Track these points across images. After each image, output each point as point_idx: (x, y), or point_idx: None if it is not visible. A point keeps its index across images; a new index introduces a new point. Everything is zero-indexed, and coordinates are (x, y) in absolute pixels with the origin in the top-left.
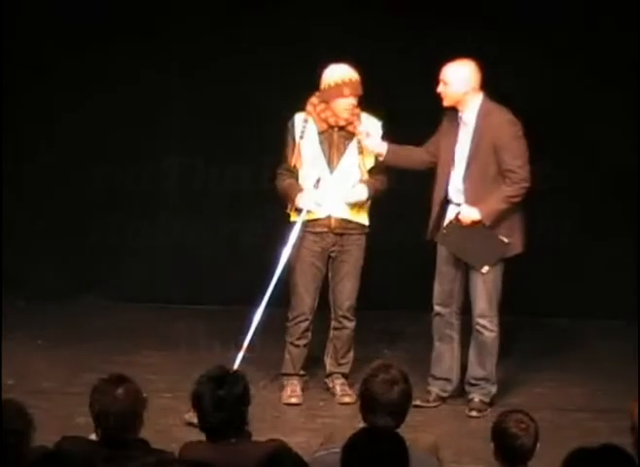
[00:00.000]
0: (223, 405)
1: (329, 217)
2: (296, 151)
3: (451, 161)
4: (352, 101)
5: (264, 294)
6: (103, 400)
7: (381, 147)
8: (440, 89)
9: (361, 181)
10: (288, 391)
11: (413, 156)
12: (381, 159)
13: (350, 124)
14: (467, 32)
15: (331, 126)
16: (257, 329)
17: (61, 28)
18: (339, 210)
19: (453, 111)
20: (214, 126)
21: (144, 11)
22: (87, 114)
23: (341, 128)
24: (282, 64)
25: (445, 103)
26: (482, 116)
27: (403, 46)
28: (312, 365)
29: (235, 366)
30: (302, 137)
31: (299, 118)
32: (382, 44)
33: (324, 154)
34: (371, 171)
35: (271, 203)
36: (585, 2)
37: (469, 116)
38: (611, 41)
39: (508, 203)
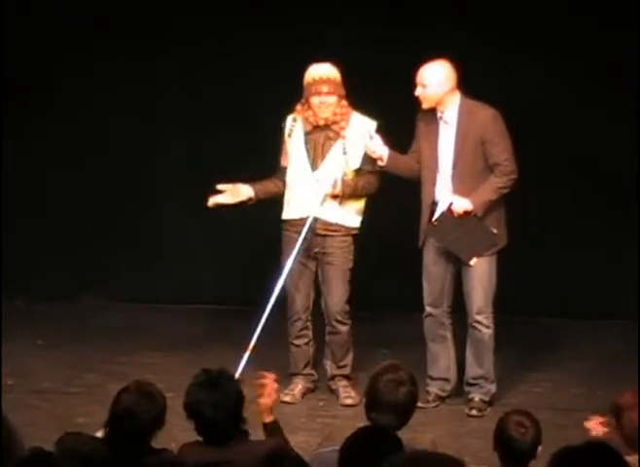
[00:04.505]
0: (221, 408)
1: (309, 218)
2: (284, 149)
3: (436, 163)
4: (328, 99)
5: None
6: (131, 405)
7: (384, 151)
8: (418, 92)
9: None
10: (287, 389)
11: (409, 163)
12: (382, 164)
13: (335, 123)
14: (463, 33)
15: (316, 127)
16: (263, 329)
17: (61, 28)
18: (319, 211)
19: (429, 113)
20: (214, 127)
21: (144, 11)
22: (86, 114)
23: (327, 128)
24: (282, 64)
25: (425, 106)
26: (465, 113)
27: (401, 45)
28: (315, 366)
29: (241, 367)
30: (289, 136)
31: (289, 118)
32: (382, 44)
33: (308, 154)
34: (357, 172)
35: (272, 204)
36: (585, 2)
37: (450, 115)
38: (611, 41)
39: (498, 194)
